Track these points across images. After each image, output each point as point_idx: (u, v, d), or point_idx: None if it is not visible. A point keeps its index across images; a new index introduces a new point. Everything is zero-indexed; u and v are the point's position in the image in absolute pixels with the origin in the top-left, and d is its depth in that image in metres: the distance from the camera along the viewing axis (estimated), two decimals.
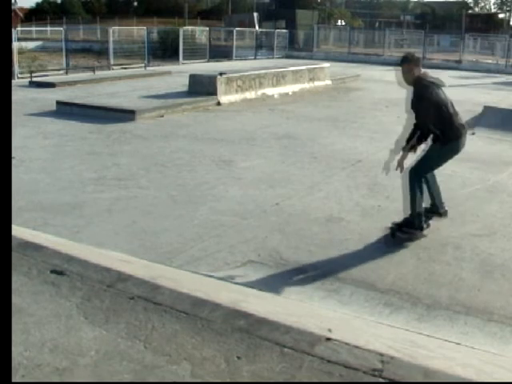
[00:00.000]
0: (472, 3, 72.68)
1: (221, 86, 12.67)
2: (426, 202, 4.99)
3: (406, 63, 4.77)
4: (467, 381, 2.26)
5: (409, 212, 4.83)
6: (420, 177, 4.83)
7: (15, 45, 15.80)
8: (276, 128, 9.97)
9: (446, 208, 5.11)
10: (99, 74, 17.59)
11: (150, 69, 19.62)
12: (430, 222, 4.98)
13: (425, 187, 4.91)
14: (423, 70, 4.83)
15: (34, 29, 33.67)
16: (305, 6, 46.95)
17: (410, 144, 4.78)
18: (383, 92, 15.49)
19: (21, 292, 2.82)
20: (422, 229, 4.84)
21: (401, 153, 4.85)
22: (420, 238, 4.79)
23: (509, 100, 14.09)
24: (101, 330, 2.51)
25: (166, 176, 6.71)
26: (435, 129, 4.68)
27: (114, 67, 19.28)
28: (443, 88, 4.81)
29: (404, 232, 4.80)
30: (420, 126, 4.75)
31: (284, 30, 32.18)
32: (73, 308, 2.69)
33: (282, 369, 2.23)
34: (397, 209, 5.68)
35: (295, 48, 33.06)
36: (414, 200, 4.78)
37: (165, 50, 25.62)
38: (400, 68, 4.80)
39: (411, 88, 4.77)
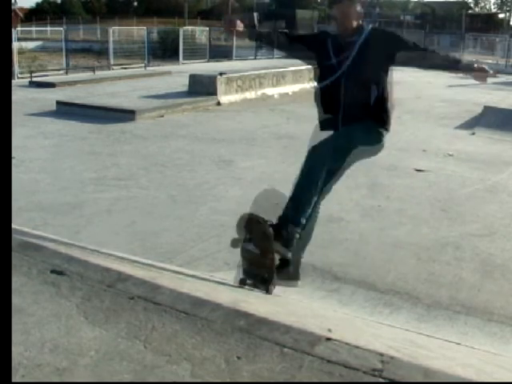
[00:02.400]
0: (472, 3, 72.77)
1: (221, 86, 12.68)
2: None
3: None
4: (467, 381, 2.26)
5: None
6: (321, 163, 3.22)
7: (15, 45, 15.80)
8: (276, 128, 9.97)
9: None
10: (99, 73, 17.59)
11: (150, 69, 19.62)
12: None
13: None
14: None
15: (34, 29, 33.63)
16: (305, 6, 47.02)
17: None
18: None
19: (21, 292, 2.82)
20: (298, 223, 3.27)
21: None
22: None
23: (509, 100, 14.10)
24: (101, 329, 2.50)
25: (166, 176, 6.71)
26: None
27: (114, 67, 19.29)
28: None
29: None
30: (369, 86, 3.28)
31: (284, 30, 32.18)
32: (73, 308, 2.69)
33: (282, 369, 2.23)
34: (397, 209, 5.68)
35: None
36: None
37: (165, 50, 25.63)
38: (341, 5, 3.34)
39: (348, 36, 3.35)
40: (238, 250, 4.53)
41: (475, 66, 3.26)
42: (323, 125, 3.49)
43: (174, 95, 12.66)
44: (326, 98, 3.43)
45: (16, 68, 15.67)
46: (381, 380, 2.16)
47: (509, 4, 65.52)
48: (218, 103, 12.44)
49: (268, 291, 3.25)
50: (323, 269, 4.24)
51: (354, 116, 3.30)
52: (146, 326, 2.54)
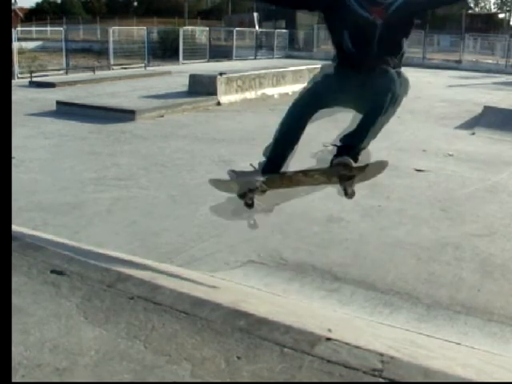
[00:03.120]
0: (472, 3, 72.66)
1: (221, 86, 12.67)
2: None
3: None
4: (467, 381, 2.26)
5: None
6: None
7: (15, 45, 15.78)
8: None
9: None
10: (99, 73, 17.58)
11: (150, 69, 19.62)
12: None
13: None
14: None
15: (34, 29, 33.59)
16: None
17: None
18: None
19: (21, 292, 2.82)
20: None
21: None
22: None
23: (509, 100, 14.08)
24: (101, 329, 2.51)
25: (166, 176, 6.71)
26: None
27: (114, 67, 19.28)
28: None
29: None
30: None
31: (284, 30, 32.17)
32: (73, 308, 2.69)
33: (282, 369, 2.23)
34: (397, 209, 5.69)
35: (295, 48, 33.03)
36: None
37: (165, 50, 25.60)
38: None
39: None
40: (237, 250, 4.54)
41: None
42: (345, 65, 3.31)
43: (174, 95, 12.65)
44: (357, 40, 3.19)
45: (16, 68, 15.66)
46: (381, 380, 2.16)
47: (509, 4, 65.51)
48: (218, 103, 12.44)
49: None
50: (323, 269, 4.24)
51: (379, 71, 3.15)
52: (146, 326, 2.54)
